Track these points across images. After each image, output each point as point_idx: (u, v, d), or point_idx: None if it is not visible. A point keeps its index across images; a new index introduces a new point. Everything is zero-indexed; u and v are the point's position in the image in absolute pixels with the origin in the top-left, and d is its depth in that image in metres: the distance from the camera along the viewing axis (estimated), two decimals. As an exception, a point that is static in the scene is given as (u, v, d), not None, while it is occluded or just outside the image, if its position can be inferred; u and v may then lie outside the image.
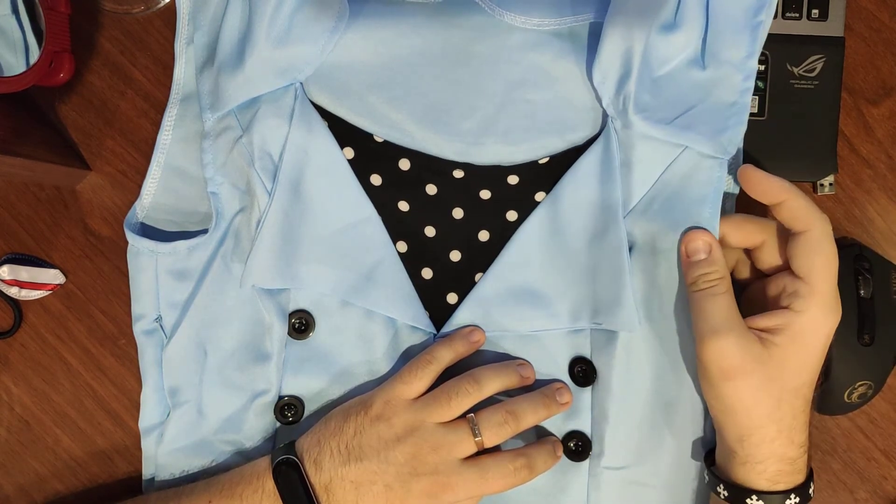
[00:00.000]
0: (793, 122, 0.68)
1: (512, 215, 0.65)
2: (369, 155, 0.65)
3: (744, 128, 0.65)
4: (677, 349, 0.65)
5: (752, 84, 0.64)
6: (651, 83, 0.63)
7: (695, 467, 0.66)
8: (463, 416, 0.61)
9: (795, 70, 0.68)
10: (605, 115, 0.64)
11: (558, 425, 0.65)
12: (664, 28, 0.62)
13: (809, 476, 0.61)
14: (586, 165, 0.64)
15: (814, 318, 0.58)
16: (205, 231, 0.67)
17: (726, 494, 0.61)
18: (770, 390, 0.58)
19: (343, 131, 0.65)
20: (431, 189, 0.65)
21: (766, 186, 0.61)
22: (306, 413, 0.66)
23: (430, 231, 0.66)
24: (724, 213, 0.65)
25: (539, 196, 0.65)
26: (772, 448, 0.59)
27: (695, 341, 0.60)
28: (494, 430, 0.61)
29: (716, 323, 0.59)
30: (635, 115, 0.62)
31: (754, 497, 0.59)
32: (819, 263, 0.59)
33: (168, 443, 0.67)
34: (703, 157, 0.64)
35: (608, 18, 0.62)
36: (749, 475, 0.60)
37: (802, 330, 0.58)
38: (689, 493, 0.67)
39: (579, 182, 0.64)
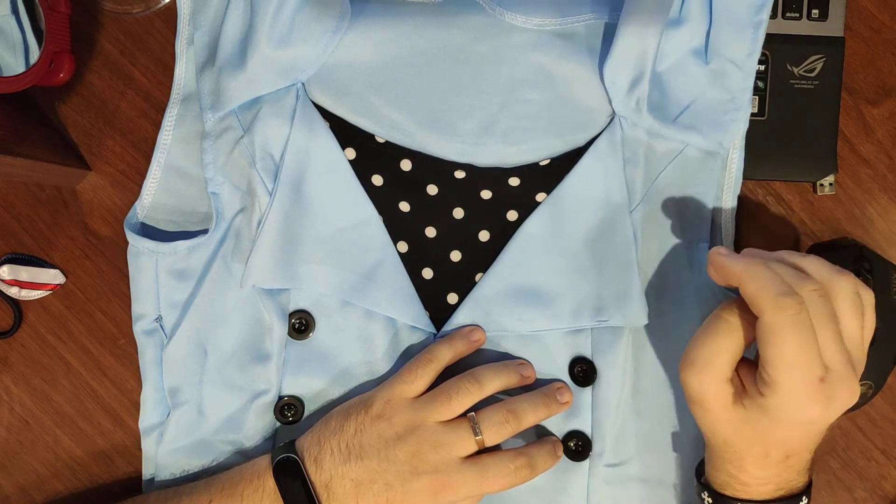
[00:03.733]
0: (793, 122, 0.68)
1: (512, 215, 0.65)
2: (370, 155, 0.65)
3: (744, 125, 0.65)
4: (680, 345, 0.65)
5: (751, 82, 0.65)
6: (655, 77, 0.63)
7: (693, 461, 0.66)
8: (463, 414, 0.61)
9: (795, 70, 0.68)
10: (607, 115, 0.64)
11: (558, 425, 0.65)
12: (669, 23, 0.62)
13: (805, 489, 0.59)
14: (590, 164, 0.64)
15: (778, 405, 0.54)
16: (205, 231, 0.67)
17: (710, 502, 0.60)
18: (748, 436, 0.56)
19: (344, 132, 0.65)
20: (432, 189, 0.65)
21: (726, 272, 0.56)
22: (306, 413, 0.66)
23: (430, 231, 0.66)
24: (724, 212, 0.66)
25: (540, 197, 0.65)
26: (756, 475, 0.57)
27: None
28: (495, 429, 0.61)
29: (702, 357, 0.56)
30: (649, 114, 0.63)
31: None
32: (770, 354, 0.53)
33: (168, 443, 0.67)
34: (704, 153, 0.65)
35: (622, 19, 0.62)
36: (733, 487, 0.59)
37: (769, 408, 0.54)
38: (691, 490, 0.67)
39: (583, 180, 0.64)
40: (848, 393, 0.54)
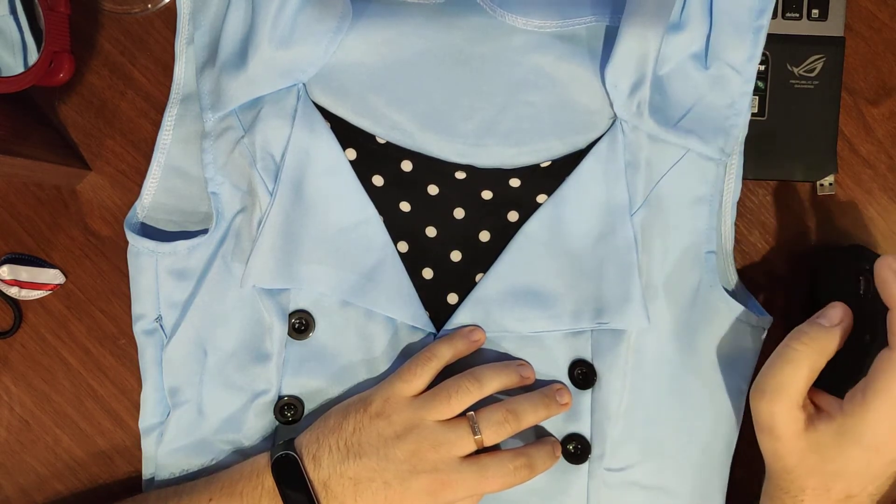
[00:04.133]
0: (793, 122, 0.68)
1: (513, 216, 0.65)
2: (371, 156, 0.65)
3: (744, 130, 0.65)
4: (681, 349, 0.65)
5: (751, 87, 0.65)
6: (656, 81, 0.63)
7: (699, 469, 0.66)
8: (463, 414, 0.61)
9: (795, 70, 0.68)
10: (608, 118, 0.64)
11: (558, 427, 0.65)
12: (669, 27, 0.62)
13: None
14: (591, 167, 0.64)
15: (856, 426, 0.56)
16: (205, 231, 0.67)
17: None
18: (812, 466, 0.57)
19: (345, 132, 0.65)
20: (433, 189, 0.65)
21: (887, 291, 0.57)
22: (306, 413, 0.66)
23: (430, 231, 0.66)
24: (725, 216, 0.66)
25: (541, 198, 0.65)
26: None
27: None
28: (494, 429, 0.61)
29: (775, 383, 0.58)
30: (650, 117, 0.63)
31: None
32: (879, 381, 0.55)
33: (168, 442, 0.67)
34: (704, 158, 0.65)
35: (623, 22, 0.62)
36: None
37: (846, 430, 0.56)
38: (697, 499, 0.67)
39: (584, 183, 0.64)
40: None
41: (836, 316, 0.59)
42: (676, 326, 0.65)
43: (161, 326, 0.67)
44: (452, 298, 0.66)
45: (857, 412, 0.56)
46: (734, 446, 0.68)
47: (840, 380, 0.67)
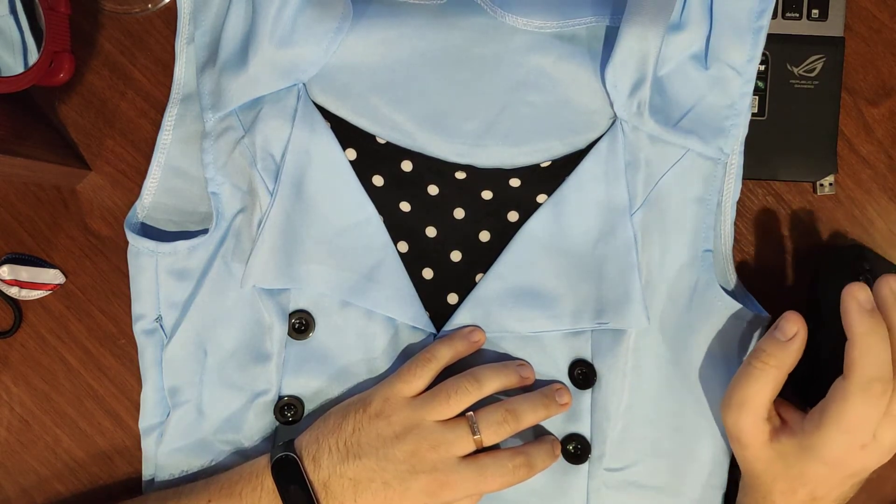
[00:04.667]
0: (793, 122, 0.68)
1: (513, 216, 0.65)
2: (371, 156, 0.65)
3: (744, 130, 0.65)
4: (680, 348, 0.65)
5: (751, 88, 0.65)
6: (656, 81, 0.63)
7: (698, 469, 0.66)
8: (462, 414, 0.61)
9: (795, 70, 0.68)
10: (608, 118, 0.64)
11: (558, 428, 0.65)
12: (669, 27, 0.62)
13: None
14: (591, 167, 0.64)
15: (814, 449, 0.58)
16: (205, 231, 0.67)
17: None
18: (778, 472, 0.60)
19: (345, 132, 0.65)
20: (433, 189, 0.65)
21: (847, 321, 0.57)
22: (306, 413, 0.66)
23: (430, 231, 0.66)
24: (724, 216, 0.66)
25: (541, 198, 0.65)
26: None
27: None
28: (494, 429, 0.61)
29: (739, 399, 0.60)
30: (650, 118, 0.63)
31: None
32: (832, 409, 0.57)
33: (168, 442, 0.67)
34: (704, 158, 0.65)
35: (624, 22, 0.62)
36: None
37: (806, 448, 0.58)
38: (692, 494, 0.67)
39: (584, 183, 0.64)
40: (877, 463, 0.58)
41: (790, 329, 0.60)
42: (676, 326, 0.65)
43: (161, 326, 0.67)
44: (452, 298, 0.66)
45: (814, 433, 0.58)
46: (734, 446, 0.68)
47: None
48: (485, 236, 0.66)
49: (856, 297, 0.58)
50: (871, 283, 0.67)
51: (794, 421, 0.60)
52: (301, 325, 0.65)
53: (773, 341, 0.60)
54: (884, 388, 0.56)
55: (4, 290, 0.69)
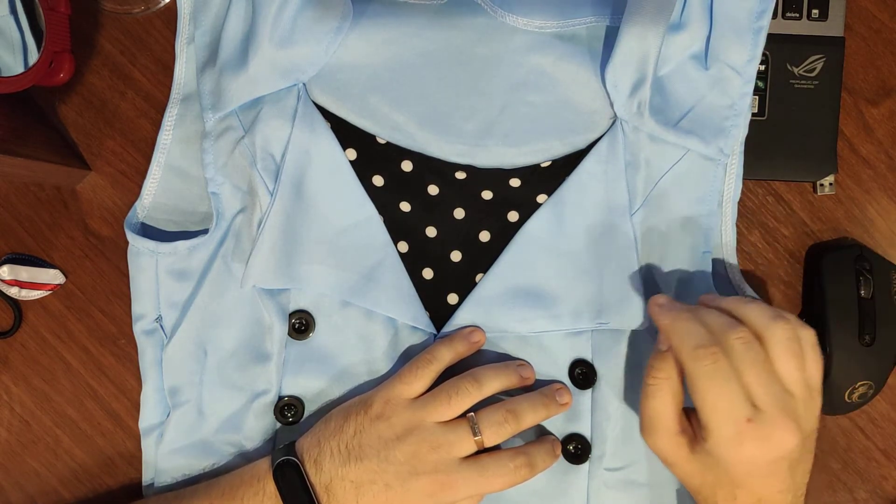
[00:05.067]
0: (793, 122, 0.68)
1: (513, 216, 0.65)
2: (371, 156, 0.65)
3: (744, 130, 0.65)
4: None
5: (751, 88, 0.65)
6: (656, 82, 0.63)
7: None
8: (463, 415, 0.61)
9: (795, 70, 0.68)
10: (608, 118, 0.64)
11: (558, 428, 0.65)
12: (669, 28, 0.62)
13: None
14: (591, 167, 0.64)
15: (716, 448, 0.56)
16: (205, 231, 0.67)
17: None
18: (711, 481, 0.58)
19: (346, 132, 0.65)
20: (433, 190, 0.65)
21: (658, 324, 0.59)
22: (306, 413, 0.66)
23: (431, 231, 0.66)
24: (724, 217, 0.66)
25: (541, 198, 0.65)
26: None
27: None
28: (494, 430, 0.61)
29: (648, 420, 0.59)
30: (651, 118, 0.63)
31: None
32: (697, 402, 0.56)
33: (168, 443, 0.67)
34: (704, 158, 0.65)
35: (624, 22, 0.62)
36: None
37: (713, 452, 0.56)
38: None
39: (584, 183, 0.64)
40: (782, 431, 0.55)
41: (663, 340, 0.59)
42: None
43: (161, 326, 0.67)
44: (452, 299, 0.66)
45: (707, 436, 0.56)
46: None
47: (841, 380, 0.68)
48: (485, 236, 0.66)
49: (657, 301, 0.60)
50: (871, 283, 0.67)
51: (697, 431, 0.58)
52: (301, 325, 0.65)
53: (655, 354, 0.60)
54: (710, 351, 0.55)
55: (4, 290, 0.69)
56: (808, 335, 0.57)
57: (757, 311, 0.57)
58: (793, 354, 0.56)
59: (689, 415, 0.59)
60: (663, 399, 0.58)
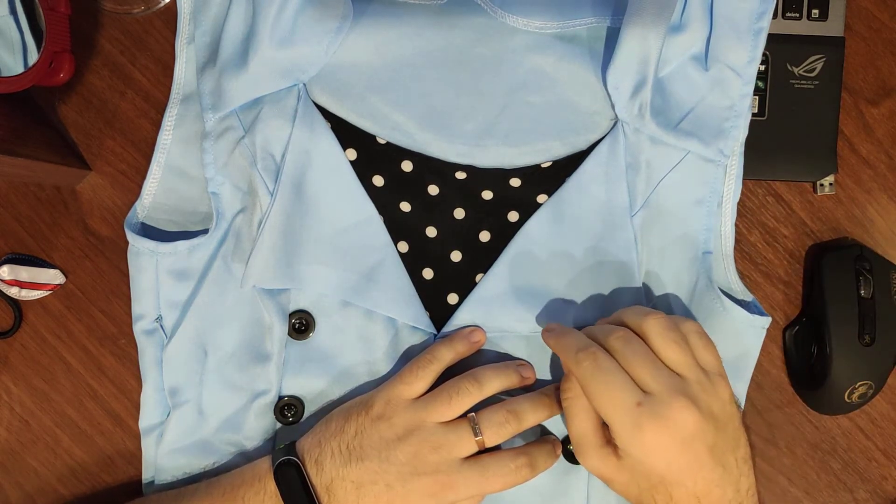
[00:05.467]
0: (793, 122, 0.68)
1: (513, 216, 0.65)
2: (372, 156, 0.65)
3: (744, 132, 0.65)
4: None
5: (751, 89, 0.65)
6: (657, 83, 0.63)
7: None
8: (464, 415, 0.61)
9: (795, 70, 0.68)
10: (609, 119, 0.64)
11: (559, 428, 0.65)
12: (669, 29, 0.62)
13: None
14: (592, 168, 0.64)
15: (625, 443, 0.56)
16: (205, 231, 0.67)
17: None
18: (648, 486, 0.57)
19: (346, 132, 0.65)
20: (433, 190, 0.65)
21: (550, 345, 0.61)
22: (306, 413, 0.66)
23: (431, 231, 0.66)
24: (724, 218, 0.66)
25: (541, 198, 0.65)
26: None
27: None
28: (495, 430, 0.61)
29: (575, 441, 0.60)
30: (651, 119, 0.63)
31: None
32: (593, 403, 0.57)
33: (168, 443, 0.67)
34: (703, 160, 0.65)
35: (625, 24, 0.62)
36: None
37: (627, 448, 0.56)
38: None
39: (584, 184, 0.64)
40: (677, 409, 0.55)
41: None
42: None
43: (161, 326, 0.67)
44: (453, 299, 0.66)
45: (614, 434, 0.57)
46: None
47: (841, 380, 0.68)
48: (485, 236, 0.66)
49: (546, 329, 0.62)
50: (871, 283, 0.67)
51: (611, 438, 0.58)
52: (301, 325, 0.65)
53: (563, 378, 0.61)
54: (588, 352, 0.57)
55: (4, 290, 0.69)
56: (691, 325, 0.59)
57: (631, 312, 0.59)
58: (672, 341, 0.57)
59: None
60: (578, 416, 0.59)
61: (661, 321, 0.58)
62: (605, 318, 0.62)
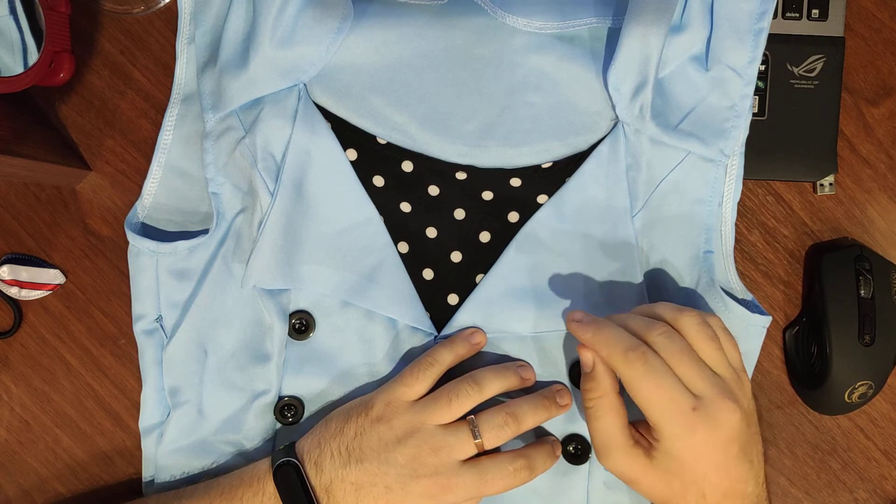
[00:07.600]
0: (793, 122, 0.68)
1: (513, 216, 0.65)
2: (372, 156, 0.65)
3: (744, 132, 0.65)
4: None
5: (752, 90, 0.65)
6: (657, 84, 0.63)
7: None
8: (463, 417, 0.61)
9: (795, 70, 0.68)
10: (609, 120, 0.64)
11: (558, 428, 0.65)
12: (669, 29, 0.62)
13: None
14: (592, 168, 0.64)
15: (671, 444, 0.56)
16: (206, 231, 0.67)
17: None
18: (677, 488, 0.57)
19: (346, 133, 0.65)
20: (433, 190, 0.65)
21: (580, 339, 0.59)
22: (306, 414, 0.66)
23: (431, 232, 0.66)
24: (725, 218, 0.66)
25: (541, 199, 0.65)
26: None
27: None
28: (494, 432, 0.61)
29: (600, 442, 0.59)
30: (651, 120, 0.63)
31: None
32: (641, 404, 0.57)
33: (168, 443, 0.67)
34: (704, 160, 0.65)
35: (625, 24, 0.62)
36: None
37: (669, 450, 0.57)
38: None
39: (585, 185, 0.64)
40: (726, 412, 0.56)
41: (588, 361, 0.60)
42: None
43: (161, 326, 0.67)
44: (453, 299, 0.66)
45: (659, 436, 0.57)
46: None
47: (841, 380, 0.68)
48: (485, 237, 0.66)
49: (573, 317, 0.60)
50: (871, 283, 0.67)
51: (649, 437, 0.59)
52: (301, 325, 0.65)
53: (584, 376, 0.60)
54: (639, 352, 0.56)
55: (4, 290, 0.69)
56: (716, 320, 0.59)
57: (664, 307, 0.59)
58: (709, 338, 0.58)
59: (636, 426, 0.60)
60: (606, 417, 0.59)
61: (696, 317, 0.58)
62: (615, 314, 0.61)
